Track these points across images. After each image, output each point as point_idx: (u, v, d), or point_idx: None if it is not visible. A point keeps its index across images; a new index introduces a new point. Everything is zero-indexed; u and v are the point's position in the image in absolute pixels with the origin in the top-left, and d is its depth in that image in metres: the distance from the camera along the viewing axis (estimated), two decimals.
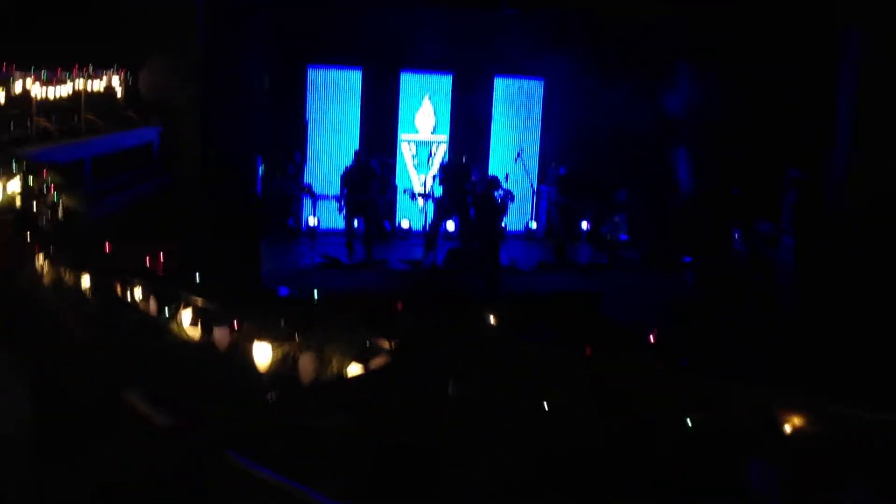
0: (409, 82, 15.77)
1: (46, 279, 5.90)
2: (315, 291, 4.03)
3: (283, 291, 4.58)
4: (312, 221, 14.07)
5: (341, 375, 3.37)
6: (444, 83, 15.87)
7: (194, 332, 4.55)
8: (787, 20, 14.14)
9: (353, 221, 14.06)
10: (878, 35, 13.08)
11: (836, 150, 13.68)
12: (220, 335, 4.39)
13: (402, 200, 15.45)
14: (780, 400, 2.66)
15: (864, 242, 11.86)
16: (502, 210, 13.85)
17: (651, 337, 3.48)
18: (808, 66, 14.25)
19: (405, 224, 15.55)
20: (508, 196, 13.93)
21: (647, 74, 14.98)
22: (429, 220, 14.09)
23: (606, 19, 15.03)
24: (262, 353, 4.05)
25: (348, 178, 14.13)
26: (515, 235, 15.72)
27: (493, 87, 16.05)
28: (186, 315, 4.50)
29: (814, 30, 14.13)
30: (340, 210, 14.18)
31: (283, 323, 4.03)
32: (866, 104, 13.42)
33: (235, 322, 4.21)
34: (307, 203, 14.71)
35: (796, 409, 2.55)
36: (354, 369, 3.43)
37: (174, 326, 4.67)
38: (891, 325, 10.40)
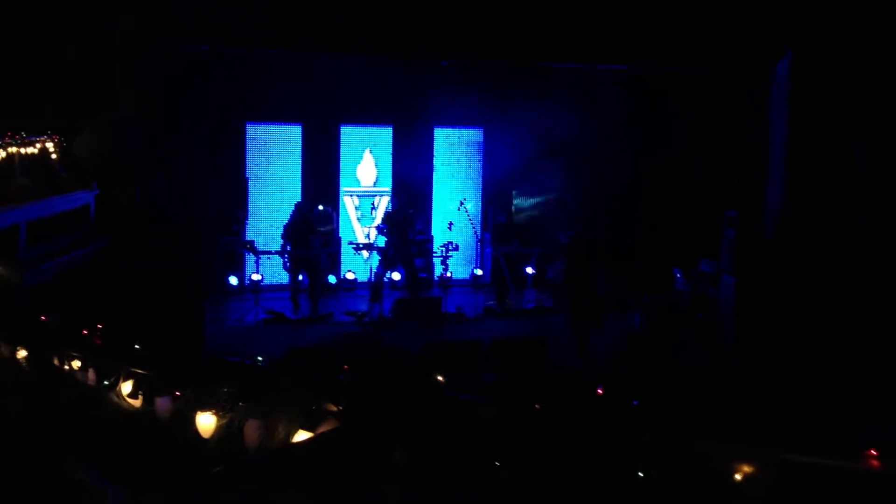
0: (349, 135, 15.83)
1: None
2: (258, 357, 3.97)
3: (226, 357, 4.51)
4: (256, 277, 13.95)
5: (288, 443, 3.31)
6: (384, 135, 15.96)
7: (135, 403, 4.44)
8: (714, 62, 14.60)
9: (298, 276, 13.96)
10: (806, 65, 13.56)
11: (770, 183, 14.05)
12: (162, 404, 4.29)
13: (346, 253, 15.41)
14: (731, 450, 2.68)
15: (803, 273, 12.13)
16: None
17: (599, 390, 3.48)
18: (735, 104, 14.70)
19: (350, 276, 15.49)
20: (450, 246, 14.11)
21: (586, 119, 15.28)
22: (374, 272, 14.05)
23: (543, 68, 15.36)
24: (206, 422, 3.96)
25: (289, 232, 14.04)
26: (461, 283, 15.75)
27: (433, 138, 16.18)
28: (126, 386, 4.40)
29: (739, 68, 14.61)
30: (285, 265, 14.09)
31: (226, 390, 3.95)
32: (797, 140, 13.84)
33: (177, 391, 4.12)
34: (250, 259, 14.59)
35: (747, 459, 2.56)
36: (301, 436, 3.37)
37: (114, 397, 4.55)
38: (830, 356, 10.62)
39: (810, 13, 13.14)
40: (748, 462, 2.64)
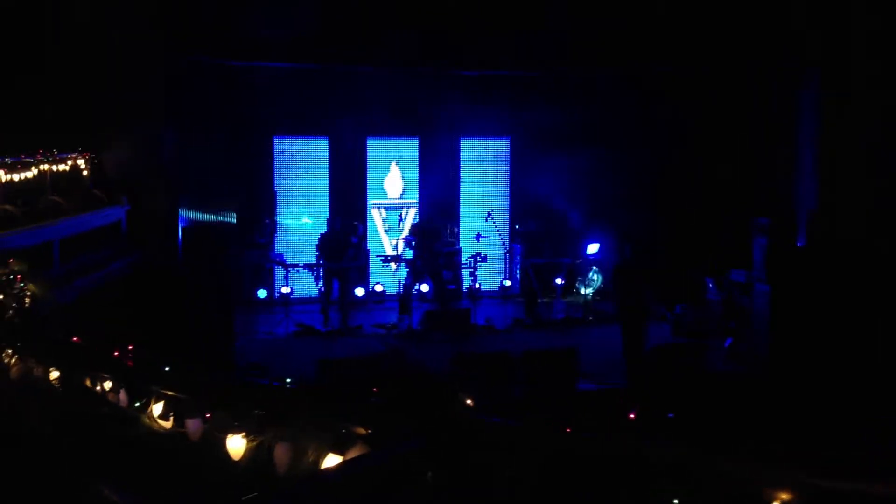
0: (375, 148, 15.87)
1: (13, 372, 5.78)
2: (287, 379, 3.97)
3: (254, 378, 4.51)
4: (285, 290, 14.00)
5: (317, 468, 3.30)
6: (410, 147, 15.98)
7: (166, 425, 4.45)
8: (744, 70, 14.48)
9: (331, 288, 14.00)
10: (837, 73, 13.40)
11: (802, 193, 13.89)
12: (192, 426, 4.30)
13: (374, 265, 15.43)
14: (767, 474, 2.62)
15: (838, 280, 11.96)
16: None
17: (631, 415, 3.43)
18: (765, 113, 14.55)
19: (378, 288, 15.51)
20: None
21: (613, 129, 15.22)
22: (402, 284, 14.06)
23: (568, 77, 15.32)
24: (236, 445, 3.96)
25: (323, 245, 14.11)
26: (490, 294, 15.71)
27: (459, 149, 16.18)
28: (157, 408, 4.41)
29: (770, 77, 14.47)
30: (318, 279, 14.15)
31: (256, 412, 3.95)
32: (829, 146, 13.68)
33: (207, 413, 4.12)
34: (279, 272, 14.67)
35: (784, 485, 2.51)
36: (331, 460, 3.35)
37: (145, 418, 4.57)
38: (869, 365, 10.46)
39: (843, 16, 13.00)
40: (785, 489, 2.58)
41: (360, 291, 15.18)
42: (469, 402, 3.19)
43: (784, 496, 2.52)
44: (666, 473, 2.63)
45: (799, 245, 13.72)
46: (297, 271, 14.46)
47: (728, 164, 15.02)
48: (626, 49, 14.16)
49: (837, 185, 13.62)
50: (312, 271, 14.20)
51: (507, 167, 16.42)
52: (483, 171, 16.37)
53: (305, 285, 14.88)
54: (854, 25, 12.98)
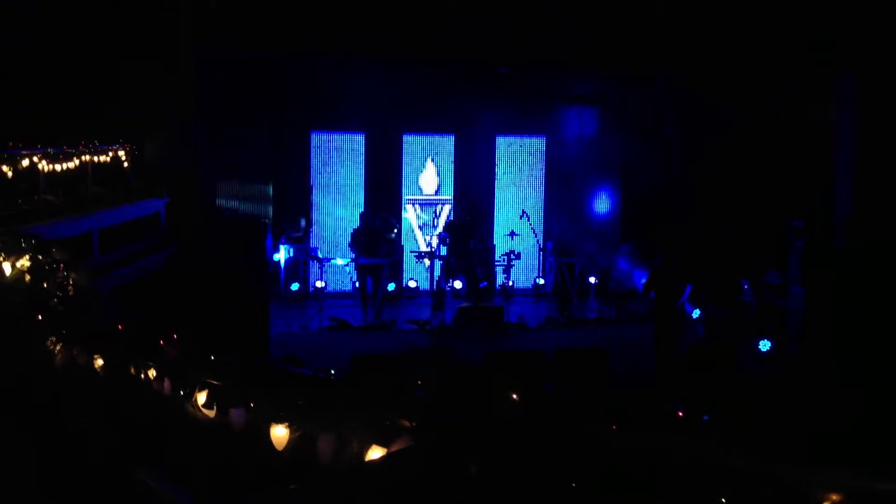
0: (411, 144, 15.92)
1: (57, 358, 5.87)
2: (331, 371, 4.00)
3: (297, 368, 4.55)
4: (319, 284, 14.09)
5: (361, 459, 3.33)
6: (446, 144, 16.01)
7: (210, 413, 4.50)
8: (781, 72, 14.33)
9: (366, 283, 14.07)
10: (875, 77, 13.23)
11: (838, 195, 13.72)
12: (236, 415, 4.35)
13: (408, 261, 15.48)
14: (814, 477, 2.61)
15: (874, 283, 11.83)
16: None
17: (680, 412, 3.43)
18: (800, 116, 14.39)
19: (412, 284, 15.55)
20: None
21: (648, 129, 15.14)
22: (436, 280, 14.08)
23: (605, 75, 15.24)
24: (280, 434, 4.00)
25: (356, 240, 14.18)
26: (523, 292, 15.70)
27: (495, 146, 16.18)
28: (201, 396, 4.46)
29: (807, 78, 14.31)
30: (353, 273, 14.23)
31: (300, 402, 3.99)
32: (866, 147, 13.51)
33: (251, 403, 4.17)
34: (314, 266, 14.77)
35: (832, 488, 2.50)
36: (375, 452, 3.38)
37: (189, 407, 4.62)
38: None
39: (880, 16, 12.82)
40: (834, 490, 2.57)
41: (393, 287, 15.23)
42: (515, 397, 3.20)
43: (834, 498, 2.52)
44: (716, 474, 2.63)
45: (834, 247, 13.57)
46: (332, 264, 14.52)
47: (764, 166, 14.88)
48: (661, 50, 14.08)
49: (873, 187, 13.44)
50: (346, 266, 14.28)
51: (542, 165, 16.40)
52: (518, 168, 16.36)
53: (340, 279, 14.96)
54: (891, 25, 12.79)
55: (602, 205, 16.28)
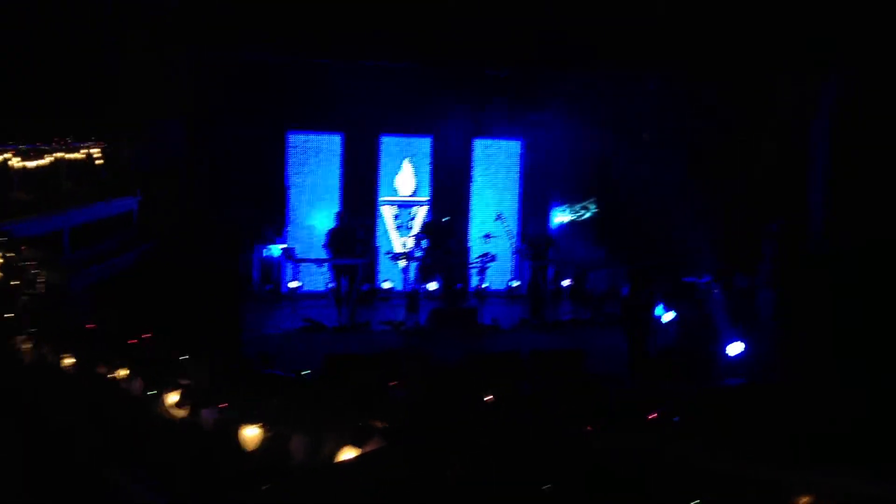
0: (389, 145, 15.89)
1: (26, 358, 5.80)
2: (305, 371, 3.98)
3: (270, 369, 4.53)
4: (293, 285, 14.01)
5: (334, 460, 3.30)
6: (423, 145, 16.00)
7: (181, 413, 4.46)
8: (758, 74, 14.43)
9: (340, 283, 14.01)
10: (853, 83, 13.37)
11: (811, 196, 13.83)
12: (208, 416, 4.31)
13: (383, 262, 15.45)
14: (789, 479, 2.63)
15: (846, 288, 11.93)
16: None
17: (652, 415, 3.44)
18: (776, 116, 14.51)
19: (387, 285, 15.52)
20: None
21: (623, 130, 15.19)
22: (410, 282, 14.06)
23: (583, 79, 15.29)
24: (251, 435, 3.97)
25: (332, 240, 14.12)
26: (497, 294, 15.72)
27: (472, 148, 16.20)
28: (172, 396, 4.42)
29: (783, 79, 14.43)
30: (329, 273, 14.17)
31: (273, 402, 3.96)
32: (841, 146, 13.62)
33: (223, 403, 4.14)
34: (288, 267, 14.69)
35: (807, 489, 2.51)
36: (348, 453, 3.36)
37: (160, 407, 4.58)
38: (874, 373, 10.42)
39: (859, 23, 12.95)
40: (807, 492, 2.58)
41: (367, 288, 15.18)
42: (489, 398, 3.20)
43: (805, 500, 2.53)
44: (690, 475, 2.63)
45: (808, 250, 13.70)
46: (307, 265, 14.45)
47: (738, 168, 14.99)
48: (640, 52, 14.14)
49: (849, 191, 13.57)
50: (320, 266, 14.22)
51: (518, 168, 16.45)
52: (495, 171, 16.39)
53: (314, 280, 14.90)
54: (873, 27, 12.91)
55: (578, 208, 16.33)
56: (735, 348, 12.37)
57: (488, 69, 14.62)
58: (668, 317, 13.67)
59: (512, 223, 15.96)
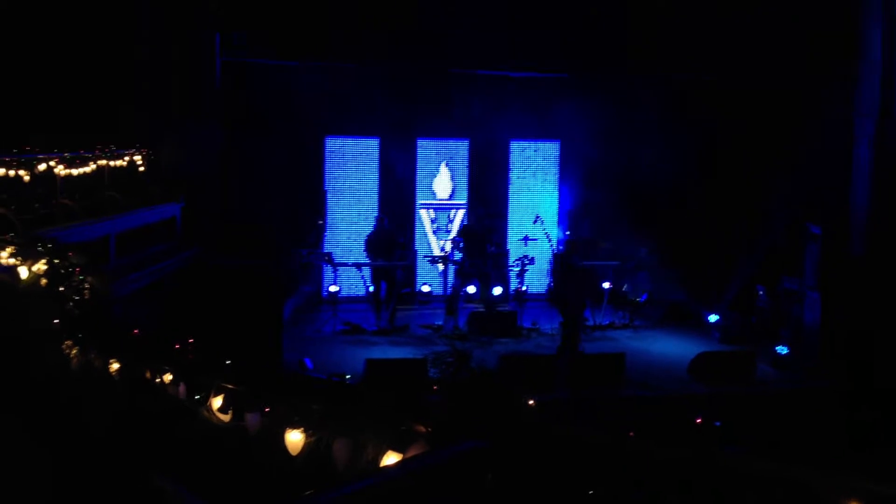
0: (425, 149, 15.92)
1: (73, 363, 5.90)
2: (347, 375, 4.00)
3: (312, 373, 4.55)
4: (333, 289, 14.09)
5: (377, 464, 3.32)
6: (460, 149, 16.01)
7: (225, 418, 4.51)
8: (798, 80, 14.26)
9: (380, 287, 14.04)
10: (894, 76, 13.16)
11: (855, 199, 13.62)
12: (252, 420, 4.35)
13: (422, 266, 15.47)
14: (828, 482, 2.59)
15: (890, 288, 11.75)
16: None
17: (698, 419, 3.41)
18: (820, 118, 14.30)
19: (425, 289, 15.53)
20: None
21: (664, 133, 15.06)
22: (449, 285, 14.06)
23: (621, 81, 15.23)
24: (295, 439, 4.00)
25: (371, 244, 14.17)
26: (536, 297, 15.65)
27: (509, 151, 16.18)
28: (217, 401, 4.47)
29: (825, 81, 14.24)
30: (368, 277, 14.23)
31: (316, 407, 3.99)
32: (884, 153, 13.42)
33: (266, 408, 4.17)
34: (328, 271, 14.77)
35: (847, 492, 2.48)
36: (391, 457, 3.37)
37: (205, 412, 4.63)
38: None
39: None
40: (854, 496, 2.55)
41: (406, 291, 15.20)
42: (532, 403, 3.19)
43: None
44: (736, 480, 2.61)
45: (852, 253, 13.49)
46: (346, 269, 14.50)
47: (782, 171, 14.79)
48: (679, 54, 14.06)
49: (893, 193, 13.35)
50: (360, 270, 14.27)
51: (556, 170, 16.39)
52: (532, 173, 16.36)
53: (353, 284, 14.96)
54: None
55: (615, 209, 16.19)
56: (781, 350, 12.25)
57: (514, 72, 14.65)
58: (711, 318, 13.58)
59: (550, 226, 15.89)
